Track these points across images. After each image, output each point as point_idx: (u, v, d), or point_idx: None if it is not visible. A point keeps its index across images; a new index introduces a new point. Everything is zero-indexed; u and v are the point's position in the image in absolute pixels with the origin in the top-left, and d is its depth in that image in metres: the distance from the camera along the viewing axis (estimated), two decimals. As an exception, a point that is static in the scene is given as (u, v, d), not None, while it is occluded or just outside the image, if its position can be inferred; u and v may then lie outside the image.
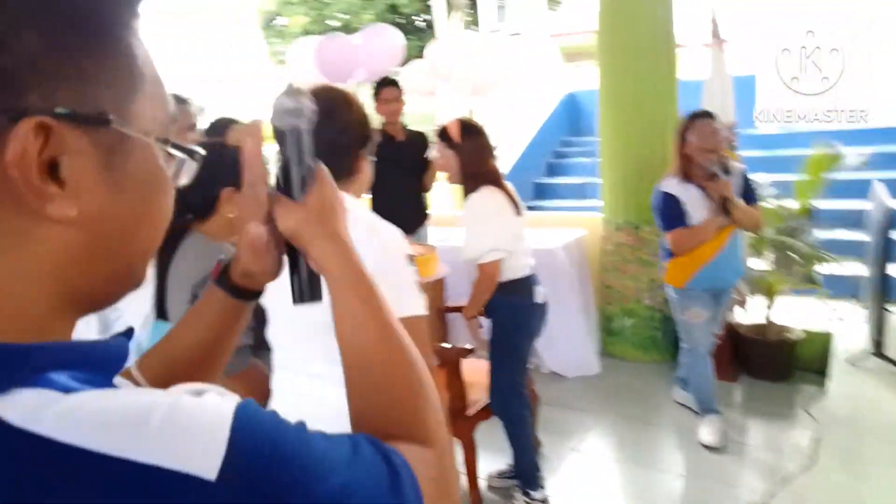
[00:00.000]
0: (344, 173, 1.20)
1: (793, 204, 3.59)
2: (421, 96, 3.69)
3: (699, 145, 2.69)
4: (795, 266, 3.30)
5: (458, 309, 3.02)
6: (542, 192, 8.42)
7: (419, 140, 3.50)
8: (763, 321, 3.55)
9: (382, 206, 3.41)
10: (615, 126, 3.76)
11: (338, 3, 14.84)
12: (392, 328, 0.59)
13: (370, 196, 3.44)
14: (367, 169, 1.27)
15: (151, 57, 0.44)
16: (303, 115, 0.61)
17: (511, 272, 2.30)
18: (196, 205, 1.50)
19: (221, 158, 1.52)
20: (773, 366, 3.50)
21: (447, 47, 3.12)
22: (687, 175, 2.76)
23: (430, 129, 3.36)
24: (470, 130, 2.27)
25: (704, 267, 2.79)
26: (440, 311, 2.89)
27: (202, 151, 0.49)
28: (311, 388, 1.13)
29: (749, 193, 2.83)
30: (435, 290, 2.89)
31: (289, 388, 1.22)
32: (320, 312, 0.65)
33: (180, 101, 2.05)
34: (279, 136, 0.62)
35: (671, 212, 2.79)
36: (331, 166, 0.66)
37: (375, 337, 0.58)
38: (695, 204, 2.74)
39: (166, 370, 0.67)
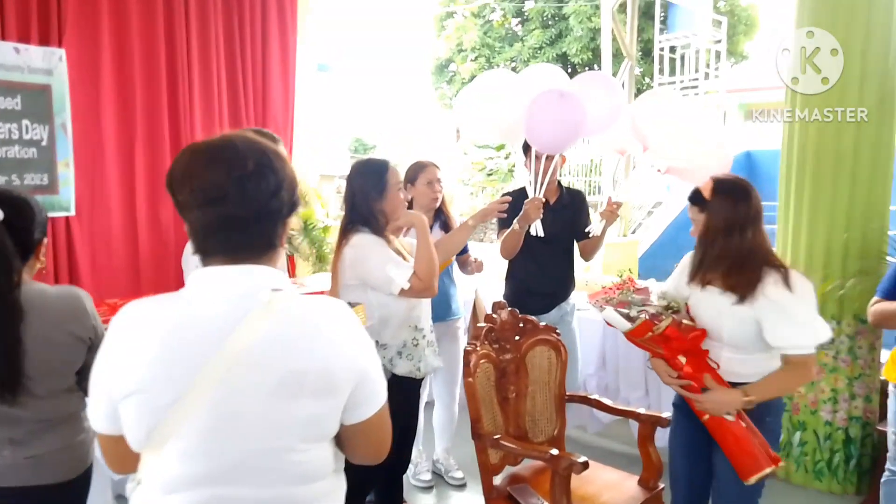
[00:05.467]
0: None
1: None
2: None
3: None
4: None
5: (585, 399, 2.59)
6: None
7: (575, 201, 2.98)
8: None
9: (525, 277, 2.88)
10: (801, 198, 3.06)
11: (508, 50, 15.02)
12: None
13: (510, 265, 2.98)
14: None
15: None
16: None
17: None
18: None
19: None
20: None
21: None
22: None
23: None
24: (724, 189, 1.82)
25: None
26: (560, 399, 2.47)
27: None
28: None
29: None
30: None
31: None
32: None
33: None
34: None
35: (893, 279, 2.28)
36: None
37: None
38: None
39: None
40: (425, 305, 2.21)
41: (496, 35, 15.47)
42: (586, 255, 2.99)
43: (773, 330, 1.75)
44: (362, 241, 2.04)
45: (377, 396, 1.03)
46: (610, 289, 1.98)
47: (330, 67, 12.11)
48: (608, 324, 1.89)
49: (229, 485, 0.93)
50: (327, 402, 0.96)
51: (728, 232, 1.78)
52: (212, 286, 0.96)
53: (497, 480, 2.21)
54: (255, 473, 0.94)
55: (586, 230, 2.87)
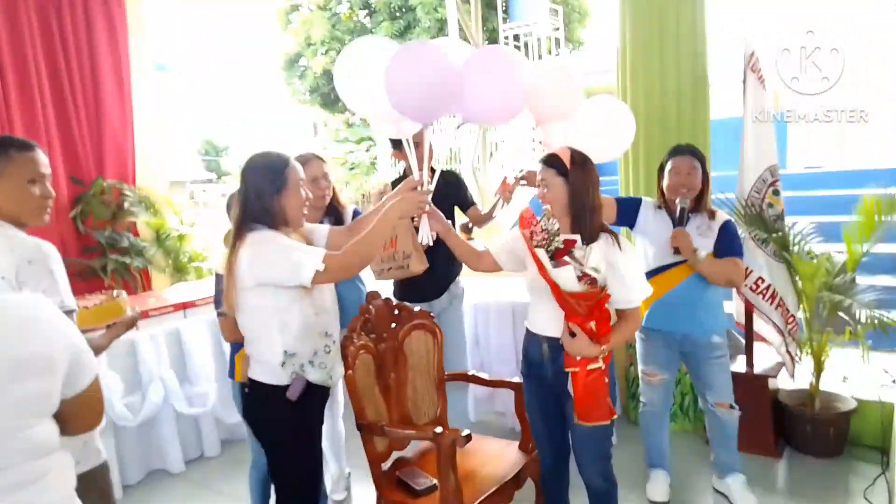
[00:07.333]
0: None
1: (838, 252, 3.19)
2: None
3: (670, 183, 2.55)
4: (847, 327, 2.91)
5: (463, 377, 2.68)
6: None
7: (451, 178, 2.96)
8: (807, 387, 3.14)
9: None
10: (636, 170, 3.40)
11: (358, 44, 14.93)
12: None
13: None
14: None
15: None
16: None
17: None
18: None
19: None
20: (824, 440, 3.06)
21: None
22: (667, 206, 2.61)
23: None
24: (579, 159, 1.99)
25: (657, 303, 2.55)
26: (440, 380, 2.54)
27: None
28: None
29: (725, 244, 2.50)
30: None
31: None
32: None
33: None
34: None
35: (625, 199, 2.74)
36: None
37: None
38: (654, 233, 2.58)
39: None
40: (332, 310, 2.00)
41: (345, 28, 15.27)
42: (479, 224, 2.99)
43: (609, 287, 1.93)
44: (260, 237, 1.82)
45: (90, 367, 1.18)
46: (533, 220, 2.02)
47: (170, 67, 11.31)
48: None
49: None
50: (49, 379, 1.10)
51: (587, 195, 1.96)
52: None
53: (385, 467, 2.24)
54: None
55: (486, 212, 2.92)
